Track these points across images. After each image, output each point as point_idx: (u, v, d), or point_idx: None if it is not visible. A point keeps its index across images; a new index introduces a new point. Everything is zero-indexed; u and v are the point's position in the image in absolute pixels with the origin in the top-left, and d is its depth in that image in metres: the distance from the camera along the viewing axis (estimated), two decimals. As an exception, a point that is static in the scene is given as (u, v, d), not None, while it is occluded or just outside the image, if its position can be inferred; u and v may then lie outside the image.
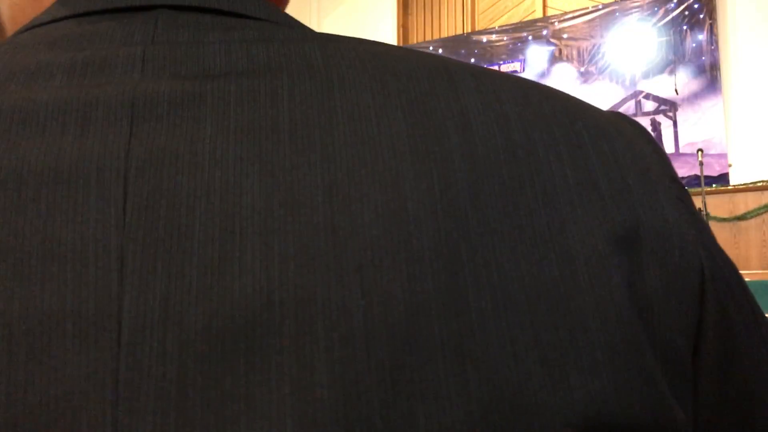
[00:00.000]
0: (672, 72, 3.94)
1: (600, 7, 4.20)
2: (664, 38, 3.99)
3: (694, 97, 3.86)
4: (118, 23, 0.27)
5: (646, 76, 4.01)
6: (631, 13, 4.09)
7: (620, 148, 0.26)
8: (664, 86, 3.94)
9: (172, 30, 0.27)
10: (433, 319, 0.21)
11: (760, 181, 3.57)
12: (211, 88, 0.24)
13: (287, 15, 0.30)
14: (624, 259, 0.24)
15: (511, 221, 0.23)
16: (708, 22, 3.87)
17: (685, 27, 3.93)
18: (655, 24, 4.01)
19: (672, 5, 3.98)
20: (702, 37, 3.88)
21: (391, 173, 0.22)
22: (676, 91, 3.91)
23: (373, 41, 0.28)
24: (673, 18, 3.97)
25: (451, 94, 0.25)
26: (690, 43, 3.91)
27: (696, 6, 3.91)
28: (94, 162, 0.22)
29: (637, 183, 0.26)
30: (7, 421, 0.19)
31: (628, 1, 4.10)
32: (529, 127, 0.25)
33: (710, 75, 3.84)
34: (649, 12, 4.04)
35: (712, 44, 3.85)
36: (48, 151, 0.22)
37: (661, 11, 4.00)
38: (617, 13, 4.13)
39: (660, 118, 3.93)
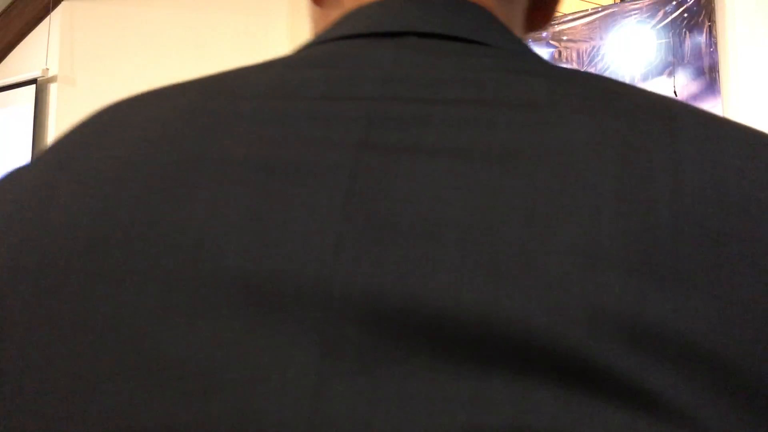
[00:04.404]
0: (671, 74, 3.95)
1: (599, 9, 4.21)
2: (663, 40, 4.00)
3: (693, 99, 3.87)
4: (370, 46, 0.31)
5: (645, 77, 4.02)
6: (631, 16, 4.10)
7: None
8: (663, 88, 3.95)
9: (415, 55, 0.30)
10: (611, 350, 0.21)
11: (758, 183, 3.57)
12: (437, 111, 0.27)
13: (523, 43, 0.33)
14: None
15: (710, 277, 0.22)
16: (707, 24, 3.88)
17: (684, 29, 3.94)
18: (654, 26, 4.03)
19: (671, 8, 3.99)
20: (701, 39, 3.89)
21: (591, 209, 0.23)
22: (675, 92, 3.92)
23: (607, 78, 0.30)
24: (672, 20, 3.98)
25: (667, 139, 0.25)
26: (689, 45, 3.92)
27: (695, 8, 3.92)
28: (330, 161, 0.26)
29: None
30: (229, 365, 0.23)
31: (627, 4, 4.12)
32: (749, 183, 0.24)
33: (709, 77, 3.85)
34: (648, 14, 4.05)
35: (711, 46, 3.86)
36: (293, 149, 0.27)
37: (660, 13, 4.01)
38: (617, 16, 4.14)
39: (659, 119, 3.93)
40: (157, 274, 0.24)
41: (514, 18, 0.36)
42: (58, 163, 0.30)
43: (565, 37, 4.30)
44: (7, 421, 0.25)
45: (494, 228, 0.23)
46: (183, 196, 0.26)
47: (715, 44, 3.84)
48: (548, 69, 0.29)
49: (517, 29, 0.37)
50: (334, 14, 0.36)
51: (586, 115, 0.26)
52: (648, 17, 4.06)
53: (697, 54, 3.89)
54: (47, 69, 4.44)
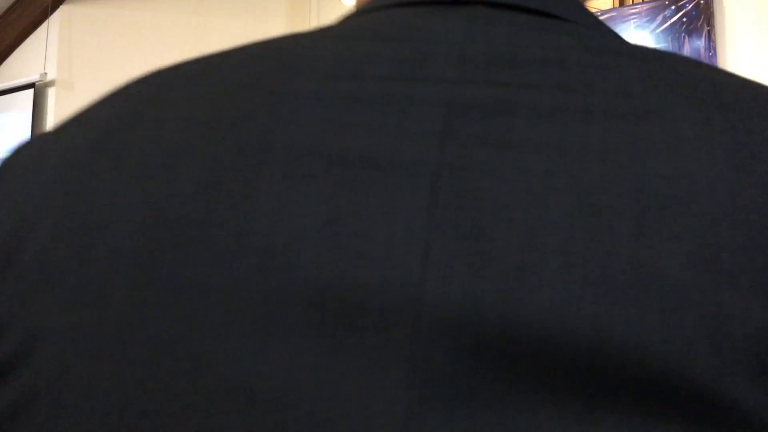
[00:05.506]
0: (670, 79, 3.95)
1: (599, 14, 4.21)
2: (663, 45, 4.00)
3: (692, 104, 3.87)
4: (439, 17, 0.27)
5: (644, 82, 4.02)
6: (630, 20, 4.10)
7: None
8: (662, 93, 3.95)
9: (489, 30, 0.26)
10: (737, 382, 0.19)
11: (757, 188, 3.57)
12: (524, 98, 0.24)
13: (597, 18, 0.29)
14: None
15: None
16: (706, 28, 3.88)
17: (683, 34, 3.94)
18: (653, 31, 4.03)
19: (670, 12, 3.99)
20: (700, 43, 3.89)
21: (708, 217, 0.20)
22: (674, 97, 3.92)
23: (698, 61, 0.26)
24: (671, 25, 3.98)
25: None
26: (688, 50, 3.91)
27: (694, 13, 3.92)
28: (410, 155, 0.23)
29: None
30: (306, 395, 0.20)
31: (626, 8, 4.11)
32: None
33: (708, 82, 3.84)
34: (647, 19, 4.05)
35: (710, 51, 3.85)
36: (368, 139, 0.23)
37: (659, 18, 4.01)
38: (616, 20, 4.14)
39: (658, 124, 3.94)
40: (219, 286, 0.21)
41: None
42: (91, 143, 0.26)
43: (563, 41, 4.29)
44: None
45: (600, 236, 0.20)
46: (245, 192, 0.22)
47: (714, 49, 3.84)
48: (633, 48, 0.26)
49: None
50: None
51: (688, 109, 0.23)
52: (647, 22, 4.05)
53: (696, 58, 3.87)
54: (45, 73, 4.44)
